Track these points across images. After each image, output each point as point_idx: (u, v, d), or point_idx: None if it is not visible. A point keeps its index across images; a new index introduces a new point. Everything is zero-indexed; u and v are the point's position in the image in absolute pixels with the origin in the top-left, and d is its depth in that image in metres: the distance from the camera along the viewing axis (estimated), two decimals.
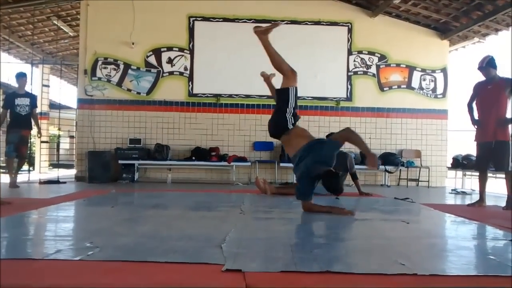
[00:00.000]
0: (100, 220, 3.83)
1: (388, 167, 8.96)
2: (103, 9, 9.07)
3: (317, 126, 9.16)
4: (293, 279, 2.02)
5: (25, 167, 11.40)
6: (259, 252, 2.55)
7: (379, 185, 9.07)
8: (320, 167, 4.13)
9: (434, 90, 9.58)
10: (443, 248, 2.95)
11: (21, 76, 7.53)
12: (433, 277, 2.09)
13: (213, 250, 2.51)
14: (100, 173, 8.44)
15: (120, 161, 8.71)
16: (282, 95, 4.58)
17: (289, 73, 4.52)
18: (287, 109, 4.48)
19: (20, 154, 7.43)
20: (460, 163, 8.76)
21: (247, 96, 9.14)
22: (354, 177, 6.64)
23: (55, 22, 10.48)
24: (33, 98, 7.63)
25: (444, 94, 9.59)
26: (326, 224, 3.78)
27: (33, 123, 7.56)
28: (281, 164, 8.96)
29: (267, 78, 5.64)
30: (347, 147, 8.78)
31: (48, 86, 12.14)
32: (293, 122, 4.49)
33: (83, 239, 2.81)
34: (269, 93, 9.17)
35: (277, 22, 4.55)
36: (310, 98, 9.25)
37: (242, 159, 8.96)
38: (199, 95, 9.14)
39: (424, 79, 9.57)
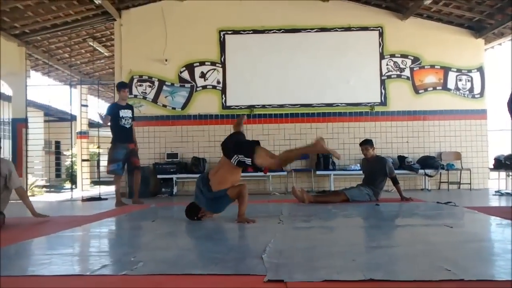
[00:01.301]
0: (141, 234, 3.91)
1: (428, 171, 8.74)
2: (136, 28, 9.30)
3: (352, 133, 9.07)
4: None
5: (67, 185, 11.76)
6: (300, 262, 2.54)
7: (419, 190, 8.87)
8: None
9: (471, 90, 9.33)
10: (490, 252, 2.87)
11: (122, 87, 7.06)
12: (481, 282, 2.03)
13: (254, 261, 2.51)
14: (140, 188, 8.57)
15: (159, 176, 8.87)
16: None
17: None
18: None
19: (136, 167, 6.99)
20: (502, 164, 8.46)
21: (280, 106, 9.15)
22: (395, 182, 6.48)
23: (91, 43, 10.84)
24: (133, 110, 7.09)
25: (482, 94, 9.33)
26: (367, 232, 3.73)
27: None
28: (318, 172, 8.90)
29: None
30: (384, 152, 8.71)
31: (86, 106, 12.49)
32: None
33: (127, 254, 2.88)
34: (302, 101, 9.32)
35: None
36: (343, 105, 9.16)
37: (278, 169, 8.92)
38: (233, 107, 9.21)
39: (460, 80, 9.34)
